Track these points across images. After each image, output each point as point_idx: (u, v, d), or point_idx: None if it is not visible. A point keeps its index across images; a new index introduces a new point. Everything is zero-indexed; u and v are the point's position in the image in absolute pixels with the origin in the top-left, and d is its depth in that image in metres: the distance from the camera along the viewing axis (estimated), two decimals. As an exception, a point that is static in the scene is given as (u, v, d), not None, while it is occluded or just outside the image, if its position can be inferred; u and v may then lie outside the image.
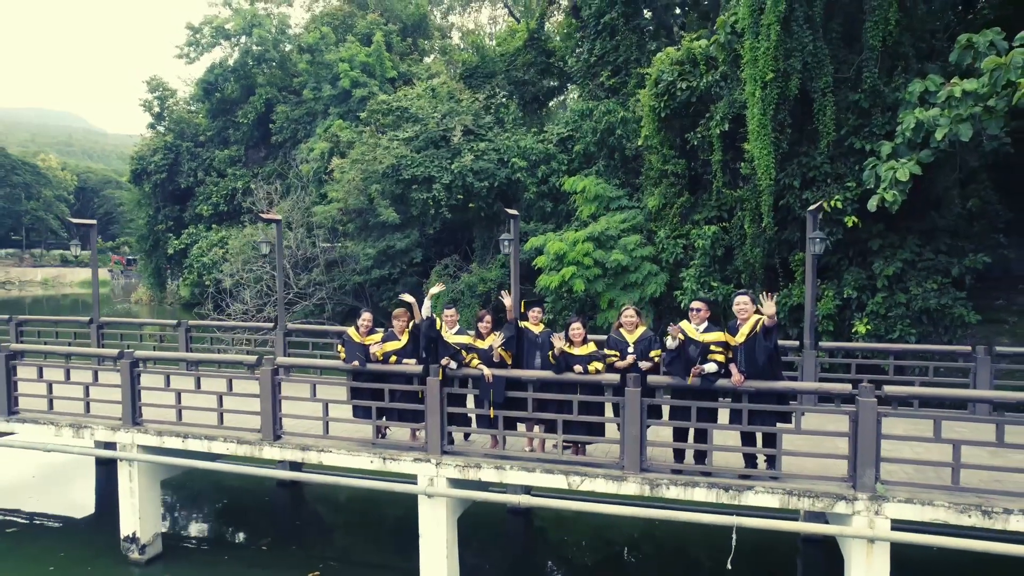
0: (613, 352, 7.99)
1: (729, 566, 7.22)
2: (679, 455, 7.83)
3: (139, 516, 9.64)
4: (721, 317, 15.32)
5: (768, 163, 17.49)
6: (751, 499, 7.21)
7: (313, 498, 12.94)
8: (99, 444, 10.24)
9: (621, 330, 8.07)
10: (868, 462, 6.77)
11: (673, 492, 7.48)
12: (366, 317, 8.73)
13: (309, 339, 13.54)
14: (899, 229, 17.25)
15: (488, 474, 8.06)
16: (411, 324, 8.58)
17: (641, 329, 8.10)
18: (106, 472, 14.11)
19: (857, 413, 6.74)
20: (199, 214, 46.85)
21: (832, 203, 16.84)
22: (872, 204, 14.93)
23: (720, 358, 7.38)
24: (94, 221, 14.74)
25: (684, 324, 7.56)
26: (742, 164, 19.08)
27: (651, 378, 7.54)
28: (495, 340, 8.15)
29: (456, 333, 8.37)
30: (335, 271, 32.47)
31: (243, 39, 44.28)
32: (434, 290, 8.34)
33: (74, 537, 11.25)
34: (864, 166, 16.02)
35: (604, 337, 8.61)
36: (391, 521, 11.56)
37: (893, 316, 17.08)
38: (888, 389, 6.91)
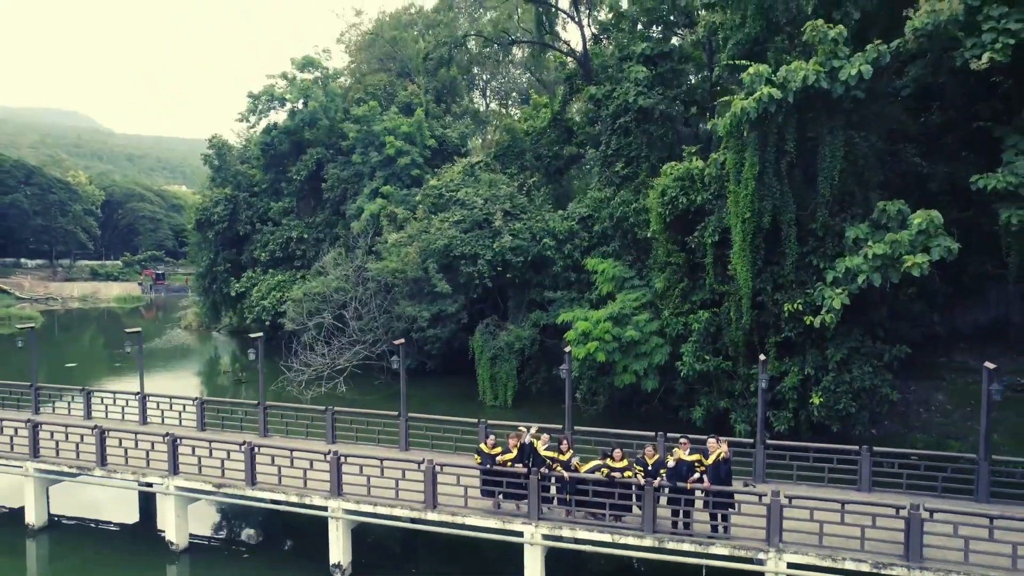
0: (640, 467, 13.95)
1: (701, 587, 13.16)
2: (675, 524, 13.77)
3: (341, 551, 15.63)
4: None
5: (747, 275, 23.36)
6: (714, 549, 13.13)
7: (428, 542, 17.98)
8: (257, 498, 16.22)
9: (646, 456, 14.02)
10: (775, 532, 12.65)
11: (671, 544, 13.41)
12: (491, 439, 14.71)
13: (424, 424, 19.48)
14: (848, 321, 22.92)
15: (565, 532, 14.01)
16: (520, 443, 14.56)
17: (656, 456, 14.13)
18: (280, 520, 19.95)
19: (769, 506, 12.63)
20: (256, 258, 52.58)
21: (796, 305, 22.69)
22: (817, 322, 20.81)
23: (702, 468, 13.37)
24: (260, 333, 20.67)
25: (677, 451, 13.56)
26: (729, 266, 24.92)
27: (657, 482, 13.49)
28: (577, 460, 14.20)
29: (547, 448, 14.34)
30: (384, 317, 38.18)
31: (298, 104, 50.13)
32: (533, 430, 14.33)
33: (273, 562, 17.17)
34: (814, 287, 21.89)
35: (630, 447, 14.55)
36: (486, 560, 17.19)
37: (840, 391, 22.85)
38: (784, 491, 12.84)
